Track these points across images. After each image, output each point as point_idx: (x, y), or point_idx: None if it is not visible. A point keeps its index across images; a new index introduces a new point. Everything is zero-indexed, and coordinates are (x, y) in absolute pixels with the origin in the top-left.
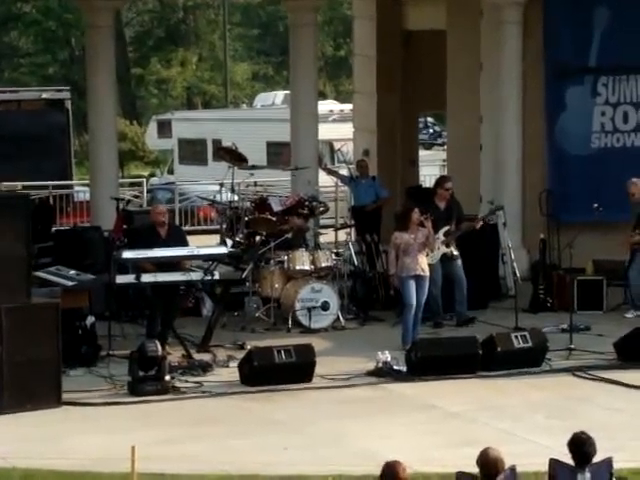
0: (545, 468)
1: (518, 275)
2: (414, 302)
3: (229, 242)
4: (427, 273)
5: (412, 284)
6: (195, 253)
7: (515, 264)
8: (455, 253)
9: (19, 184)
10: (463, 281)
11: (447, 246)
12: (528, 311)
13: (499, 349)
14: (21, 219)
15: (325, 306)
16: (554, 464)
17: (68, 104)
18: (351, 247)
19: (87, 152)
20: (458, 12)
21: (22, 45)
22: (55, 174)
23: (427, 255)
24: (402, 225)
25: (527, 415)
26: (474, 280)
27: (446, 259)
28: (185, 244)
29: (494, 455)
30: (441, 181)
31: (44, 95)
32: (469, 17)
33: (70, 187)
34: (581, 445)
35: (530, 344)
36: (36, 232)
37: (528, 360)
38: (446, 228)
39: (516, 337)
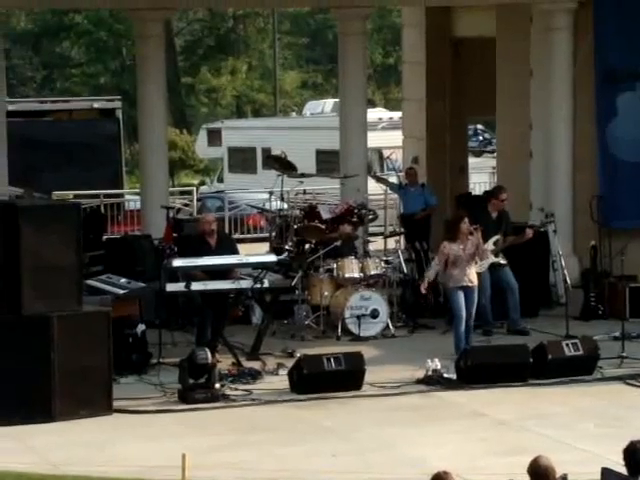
0: (596, 477)
1: (569, 282)
2: (464, 314)
3: (280, 252)
4: (475, 283)
5: (460, 295)
6: (244, 261)
7: (566, 271)
8: (502, 262)
9: (71, 193)
10: (515, 287)
11: (495, 255)
12: (579, 319)
13: (550, 357)
14: (72, 228)
15: (374, 314)
16: (606, 473)
17: (119, 113)
18: (400, 255)
19: (138, 161)
20: (508, 19)
21: (74, 55)
22: (106, 183)
23: (476, 264)
24: (451, 235)
25: (578, 423)
26: (524, 288)
27: (494, 267)
28: (235, 252)
29: (545, 464)
30: (497, 191)
31: (95, 105)
32: (519, 24)
33: (121, 196)
34: (635, 453)
35: (581, 352)
36: (87, 240)
37: (579, 368)
38: (496, 237)
39: (567, 345)
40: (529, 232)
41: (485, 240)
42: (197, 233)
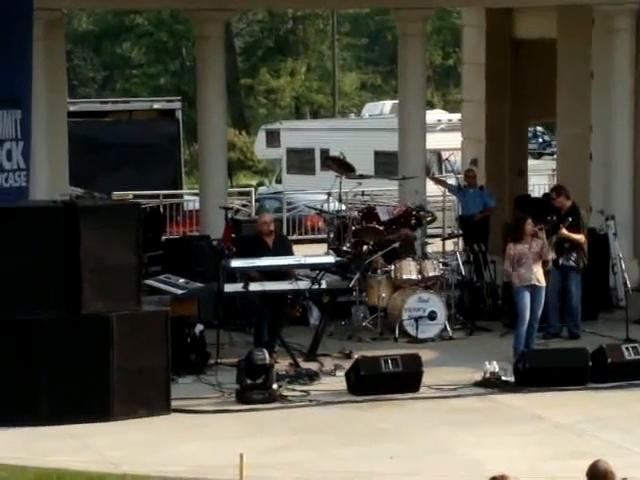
0: None
1: (629, 286)
2: (527, 314)
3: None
4: (543, 284)
5: (527, 295)
6: (302, 262)
7: (626, 274)
8: (570, 264)
9: (130, 193)
10: (573, 295)
11: (558, 254)
12: (639, 322)
13: (609, 361)
14: (132, 228)
15: (432, 316)
16: None
17: (179, 114)
18: (459, 257)
19: (197, 161)
20: (569, 20)
21: (134, 56)
22: (165, 183)
23: (546, 266)
24: (515, 236)
25: (637, 428)
26: (584, 291)
27: (561, 269)
28: (290, 253)
29: (604, 467)
30: (551, 191)
31: (155, 105)
32: (580, 25)
33: (180, 196)
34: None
35: None
36: (146, 241)
37: (639, 372)
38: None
39: (627, 349)
40: (562, 229)
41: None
42: (254, 233)
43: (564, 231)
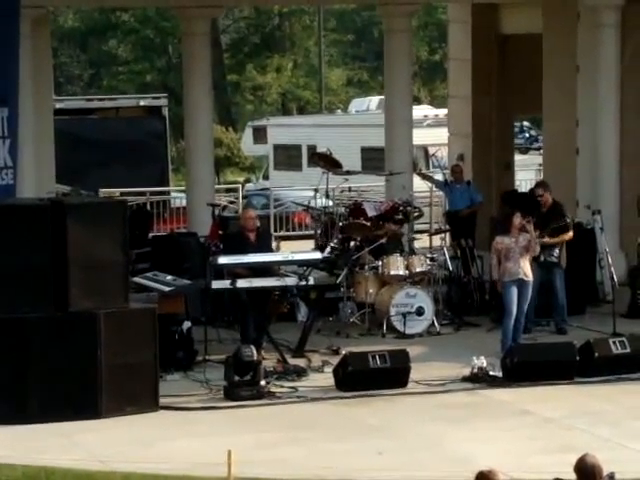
0: None
1: (616, 280)
2: (514, 309)
3: (325, 249)
4: (530, 278)
5: (514, 290)
6: (290, 258)
7: (613, 269)
8: (553, 260)
9: (117, 190)
10: (558, 291)
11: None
12: (626, 316)
13: (597, 355)
14: (119, 225)
15: (420, 311)
16: None
17: (165, 111)
18: (446, 252)
19: (184, 158)
20: (555, 15)
21: (120, 53)
22: (152, 180)
23: (534, 259)
24: (503, 229)
25: (625, 422)
26: (571, 285)
27: (545, 265)
28: (270, 249)
29: (592, 462)
30: (534, 187)
31: (142, 102)
32: (566, 20)
33: (167, 193)
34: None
35: (629, 350)
36: (133, 238)
37: (627, 366)
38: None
39: (614, 343)
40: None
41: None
42: (237, 229)
43: (547, 240)
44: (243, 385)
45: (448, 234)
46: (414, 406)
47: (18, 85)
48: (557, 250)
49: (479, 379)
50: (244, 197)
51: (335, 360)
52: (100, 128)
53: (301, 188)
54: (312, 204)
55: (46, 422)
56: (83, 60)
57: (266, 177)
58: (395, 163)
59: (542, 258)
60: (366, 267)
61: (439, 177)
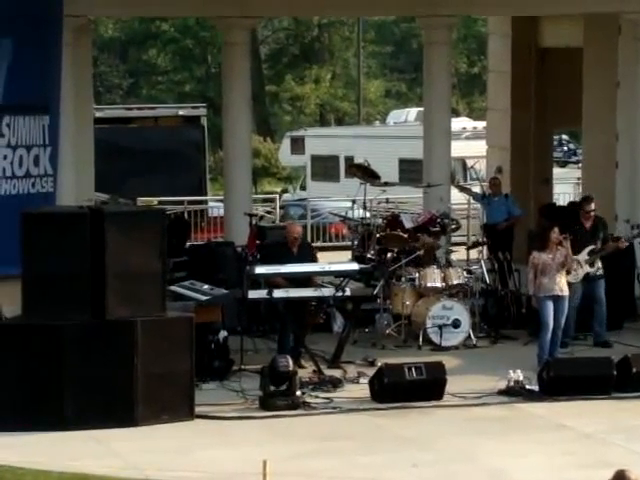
0: None
1: None
2: (551, 323)
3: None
4: (566, 293)
5: (550, 305)
6: (327, 269)
7: None
8: (599, 273)
9: (155, 199)
10: (603, 301)
11: (591, 265)
12: None
13: (634, 370)
14: (157, 234)
15: (456, 324)
16: None
17: (204, 121)
18: (483, 265)
19: (222, 168)
20: (595, 29)
21: (160, 63)
22: (190, 190)
23: (569, 274)
24: (540, 244)
25: None
26: (609, 300)
27: (589, 279)
28: (314, 260)
29: (629, 477)
30: (583, 202)
31: (181, 112)
32: (607, 34)
33: (205, 202)
34: None
35: None
36: (171, 247)
37: None
38: (591, 247)
39: None
40: (624, 242)
41: (579, 251)
42: (281, 240)
43: (622, 244)
44: (278, 395)
45: (485, 247)
46: (449, 419)
47: (60, 93)
48: (599, 262)
49: (515, 393)
50: (281, 207)
51: (371, 371)
52: (139, 137)
53: (338, 199)
54: (349, 215)
55: (82, 429)
56: (122, 69)
57: (303, 188)
58: (433, 175)
59: (589, 273)
60: (403, 279)
61: (477, 190)
